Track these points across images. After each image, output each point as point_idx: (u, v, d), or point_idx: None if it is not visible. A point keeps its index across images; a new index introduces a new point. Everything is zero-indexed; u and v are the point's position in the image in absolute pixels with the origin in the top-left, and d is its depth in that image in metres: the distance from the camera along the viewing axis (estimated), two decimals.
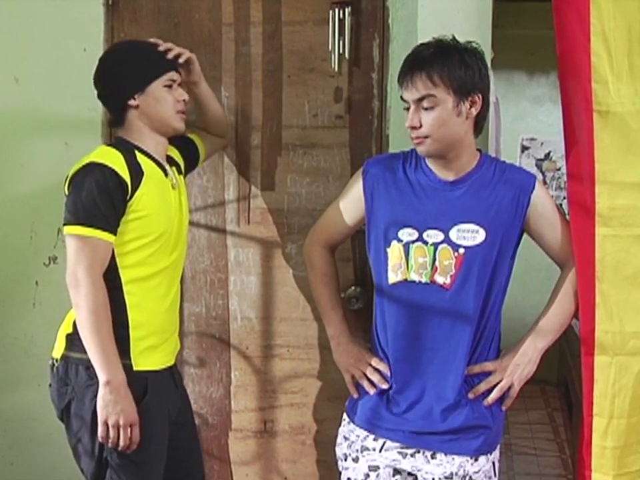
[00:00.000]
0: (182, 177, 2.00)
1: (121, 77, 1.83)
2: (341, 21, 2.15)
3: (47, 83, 2.30)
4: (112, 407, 1.69)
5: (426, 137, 1.68)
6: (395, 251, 1.76)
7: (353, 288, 2.24)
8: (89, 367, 1.74)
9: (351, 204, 1.88)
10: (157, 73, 1.83)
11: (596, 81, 1.70)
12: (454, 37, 1.72)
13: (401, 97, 1.73)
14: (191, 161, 2.07)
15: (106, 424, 1.70)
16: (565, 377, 4.14)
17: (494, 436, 1.80)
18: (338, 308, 1.94)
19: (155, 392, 1.81)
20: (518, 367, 1.78)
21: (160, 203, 1.82)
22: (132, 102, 1.82)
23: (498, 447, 1.83)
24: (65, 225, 1.74)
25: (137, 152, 1.82)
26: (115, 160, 1.75)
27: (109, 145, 1.84)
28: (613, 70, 1.69)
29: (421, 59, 1.68)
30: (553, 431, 4.06)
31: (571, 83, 1.76)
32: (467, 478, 1.76)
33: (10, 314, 2.40)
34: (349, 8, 2.15)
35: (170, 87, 1.84)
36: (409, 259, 1.75)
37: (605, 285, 1.75)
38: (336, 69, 2.19)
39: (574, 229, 1.77)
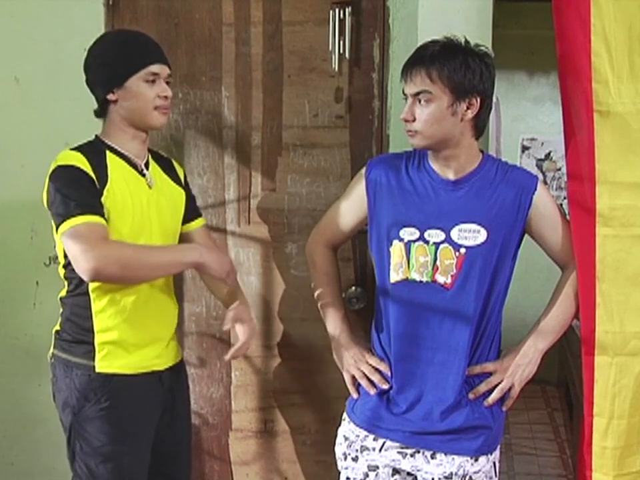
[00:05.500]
0: (170, 177, 1.95)
1: (102, 69, 1.79)
2: (341, 21, 2.15)
3: (47, 83, 2.30)
4: (213, 262, 1.81)
5: (416, 132, 1.69)
6: (396, 250, 1.76)
7: (353, 288, 2.24)
8: (67, 364, 1.80)
9: (354, 204, 1.88)
10: (136, 67, 1.76)
11: (596, 81, 1.70)
12: (465, 39, 1.71)
13: (403, 91, 1.74)
14: None
15: (227, 273, 1.85)
16: (565, 377, 4.14)
17: (494, 436, 1.80)
18: (339, 308, 1.94)
19: (124, 395, 1.78)
20: (519, 368, 1.79)
21: (126, 204, 1.77)
22: (110, 96, 1.78)
23: (498, 447, 1.83)
24: (56, 230, 1.71)
25: (108, 152, 1.79)
26: (79, 161, 1.73)
27: (73, 149, 1.78)
28: (614, 70, 1.69)
29: (425, 55, 1.68)
30: (553, 431, 4.05)
31: (572, 83, 1.75)
32: (467, 478, 1.76)
33: (10, 314, 2.40)
34: (349, 8, 2.15)
35: (153, 81, 1.78)
36: (410, 258, 1.75)
37: (606, 285, 1.75)
38: (336, 68, 2.19)
39: (574, 229, 1.77)
